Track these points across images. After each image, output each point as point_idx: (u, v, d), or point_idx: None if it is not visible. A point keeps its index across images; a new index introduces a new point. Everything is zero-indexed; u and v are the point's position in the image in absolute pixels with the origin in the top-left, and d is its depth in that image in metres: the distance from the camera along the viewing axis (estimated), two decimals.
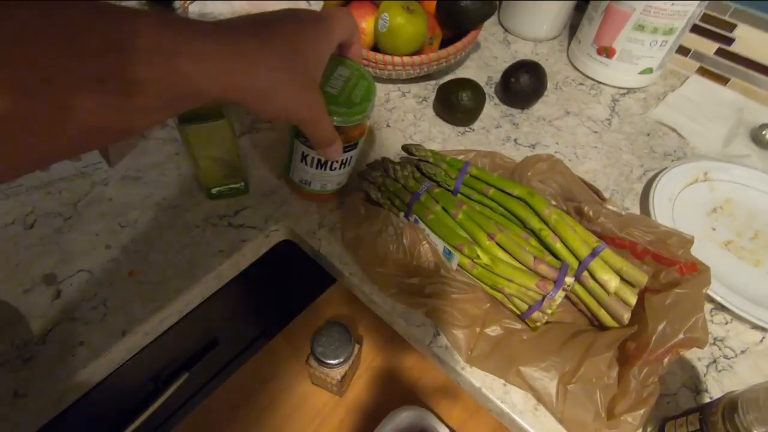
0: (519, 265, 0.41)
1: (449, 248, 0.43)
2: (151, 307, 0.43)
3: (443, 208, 0.45)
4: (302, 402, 0.45)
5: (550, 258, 0.42)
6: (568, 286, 0.40)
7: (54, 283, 0.44)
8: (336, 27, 0.33)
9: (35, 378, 0.38)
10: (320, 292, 0.53)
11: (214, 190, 0.51)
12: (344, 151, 0.43)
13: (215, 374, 0.62)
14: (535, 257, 0.41)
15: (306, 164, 0.46)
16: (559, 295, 0.40)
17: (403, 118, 0.64)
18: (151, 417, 0.51)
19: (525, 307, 0.41)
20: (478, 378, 0.41)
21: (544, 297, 0.40)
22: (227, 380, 0.46)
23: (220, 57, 0.25)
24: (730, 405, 0.30)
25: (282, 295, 0.67)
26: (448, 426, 0.42)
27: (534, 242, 0.44)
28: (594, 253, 0.41)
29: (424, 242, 0.45)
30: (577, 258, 0.42)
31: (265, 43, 0.27)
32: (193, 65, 0.23)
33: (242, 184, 0.51)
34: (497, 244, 0.42)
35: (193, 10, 0.57)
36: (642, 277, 0.41)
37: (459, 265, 0.44)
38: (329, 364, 0.38)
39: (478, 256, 0.42)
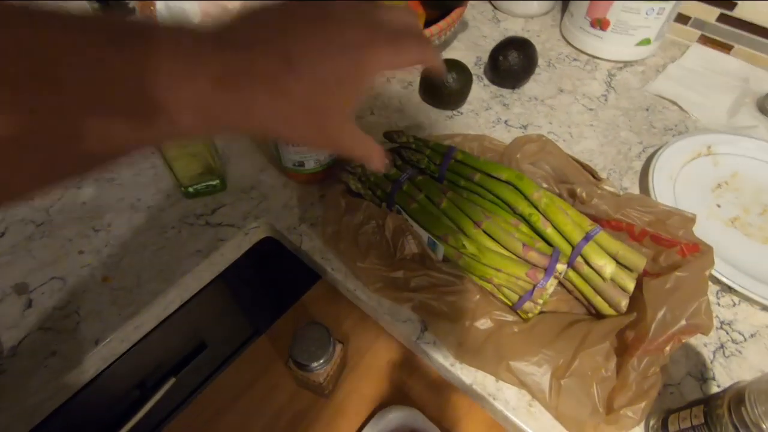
0: (507, 253, 0.39)
1: (433, 238, 0.41)
2: (126, 314, 0.41)
3: (427, 197, 0.43)
4: (288, 404, 0.43)
5: (541, 244, 0.40)
6: (560, 273, 0.37)
7: (25, 292, 0.43)
8: (384, 65, 0.25)
9: (6, 391, 0.37)
10: (307, 289, 0.51)
11: (190, 189, 0.49)
12: None
13: (206, 378, 0.61)
14: (524, 244, 0.38)
15: (290, 145, 0.45)
16: (551, 284, 0.37)
17: (388, 104, 0.61)
18: (139, 424, 0.49)
19: (515, 297, 0.39)
20: (468, 374, 0.39)
21: (534, 286, 0.37)
22: (211, 384, 0.44)
23: (230, 111, 0.21)
24: (737, 397, 0.28)
25: (270, 294, 0.65)
26: (439, 426, 0.40)
27: (524, 228, 0.42)
28: (587, 237, 0.39)
29: (407, 234, 0.43)
30: (569, 243, 0.39)
31: (284, 94, 0.22)
32: (197, 118, 0.20)
33: (219, 181, 0.49)
34: (484, 231, 0.40)
35: (160, 7, 0.55)
36: (640, 261, 0.38)
37: (445, 255, 0.41)
38: (308, 367, 0.36)
39: (463, 246, 0.39)
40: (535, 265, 0.38)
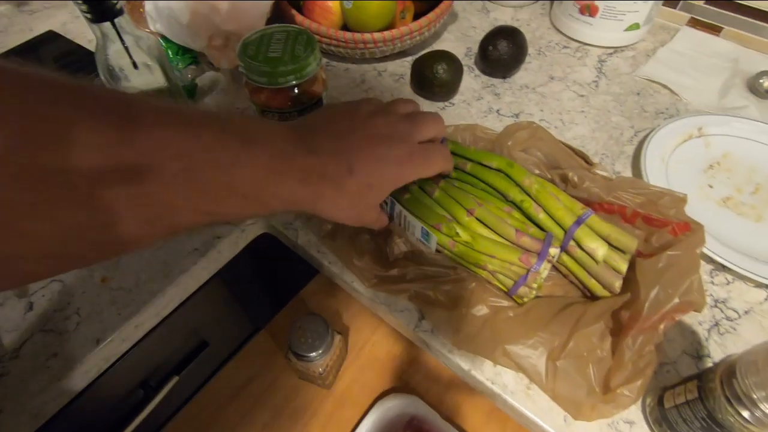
0: (500, 239, 0.39)
1: (427, 228, 0.41)
2: (126, 313, 0.42)
3: (420, 187, 0.43)
4: (290, 397, 0.43)
5: (534, 230, 0.40)
6: (553, 257, 0.38)
7: (26, 295, 0.43)
8: (413, 176, 0.35)
9: (10, 393, 0.37)
10: (305, 283, 0.52)
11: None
12: (312, 110, 0.44)
13: (208, 376, 0.61)
14: (517, 230, 0.39)
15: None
16: (545, 268, 0.38)
17: (380, 97, 0.61)
18: (144, 423, 0.50)
19: (510, 282, 0.39)
20: (466, 361, 0.39)
21: (528, 271, 0.38)
22: (212, 381, 0.45)
23: (303, 200, 0.29)
24: (728, 369, 0.28)
25: (270, 290, 0.65)
26: (439, 412, 0.40)
27: (517, 215, 0.42)
28: (579, 221, 0.39)
29: (393, 236, 0.43)
30: (562, 227, 0.40)
31: (341, 189, 0.31)
32: (280, 204, 0.28)
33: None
34: (477, 219, 0.40)
35: (149, 9, 0.55)
36: (631, 242, 0.38)
37: (439, 245, 0.42)
38: (307, 357, 0.36)
39: (457, 234, 0.40)
40: (528, 250, 0.38)
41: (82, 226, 0.20)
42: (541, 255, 0.37)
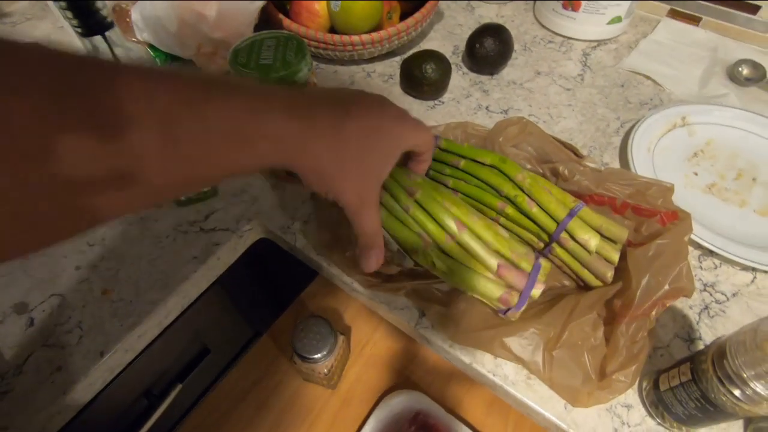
0: (483, 271, 0.37)
1: (402, 251, 0.40)
2: (128, 324, 0.42)
3: (392, 195, 0.39)
4: (295, 399, 0.44)
5: (522, 259, 0.37)
6: (535, 298, 0.36)
7: (26, 311, 0.43)
8: (412, 138, 0.33)
9: (15, 409, 0.38)
10: (306, 286, 0.52)
11: (182, 197, 0.49)
12: None
13: (212, 382, 0.62)
14: (499, 264, 0.36)
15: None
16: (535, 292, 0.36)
17: None
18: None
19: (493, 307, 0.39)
20: (467, 354, 0.40)
21: (508, 309, 0.36)
22: (217, 387, 0.45)
23: (296, 139, 0.26)
24: (719, 351, 0.29)
25: (270, 294, 0.66)
26: (443, 406, 0.41)
27: (510, 210, 0.42)
28: (572, 214, 0.40)
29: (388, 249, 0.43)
30: (555, 220, 0.41)
31: (339, 131, 0.28)
32: (271, 146, 0.25)
33: (210, 187, 0.50)
34: (458, 244, 0.37)
35: (135, 18, 0.55)
36: (622, 232, 0.40)
37: (418, 265, 0.41)
38: (312, 359, 0.37)
39: (433, 265, 0.38)
40: (510, 287, 0.36)
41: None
42: (522, 297, 0.35)
